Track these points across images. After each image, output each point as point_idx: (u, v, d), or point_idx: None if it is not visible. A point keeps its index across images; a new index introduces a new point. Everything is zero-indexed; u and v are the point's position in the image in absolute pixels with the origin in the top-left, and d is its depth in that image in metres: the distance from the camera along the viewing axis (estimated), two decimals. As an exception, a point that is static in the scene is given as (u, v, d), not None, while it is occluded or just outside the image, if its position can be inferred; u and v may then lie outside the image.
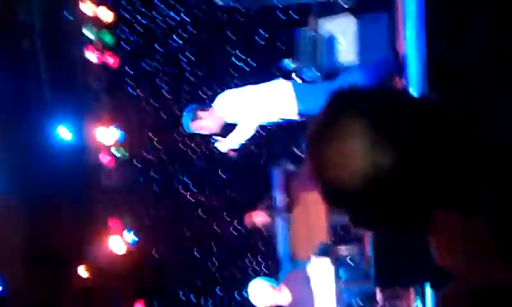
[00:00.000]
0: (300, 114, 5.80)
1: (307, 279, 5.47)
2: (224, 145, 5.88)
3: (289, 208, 6.56)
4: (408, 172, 1.23)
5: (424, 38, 3.44)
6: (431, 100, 1.35)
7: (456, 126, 1.30)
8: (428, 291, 4.26)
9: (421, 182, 1.25)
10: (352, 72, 5.78)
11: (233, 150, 5.96)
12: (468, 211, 1.32)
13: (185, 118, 5.85)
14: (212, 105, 5.88)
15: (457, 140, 1.28)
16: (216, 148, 5.97)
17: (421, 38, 3.60)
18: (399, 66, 5.54)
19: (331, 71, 6.14)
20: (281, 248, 6.73)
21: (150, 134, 8.82)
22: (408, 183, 1.24)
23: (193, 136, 8.52)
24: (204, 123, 5.78)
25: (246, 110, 5.80)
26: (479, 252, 1.37)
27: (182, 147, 8.74)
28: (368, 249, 5.82)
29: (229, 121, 5.88)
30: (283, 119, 5.95)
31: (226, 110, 5.82)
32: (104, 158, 8.39)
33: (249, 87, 5.95)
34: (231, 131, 5.90)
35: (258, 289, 5.49)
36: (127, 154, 8.54)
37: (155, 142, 8.82)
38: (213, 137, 5.92)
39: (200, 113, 5.78)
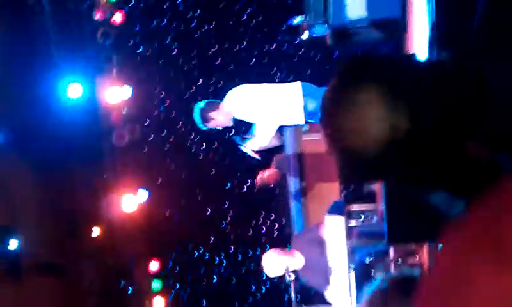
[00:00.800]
0: (308, 117, 5.88)
1: (319, 239, 5.46)
2: (249, 149, 5.98)
3: (301, 166, 6.54)
4: (423, 134, 1.24)
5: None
6: (443, 62, 1.34)
7: (470, 87, 1.30)
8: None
9: (437, 143, 1.25)
10: None
11: (257, 152, 6.06)
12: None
13: (196, 117, 5.92)
14: (221, 101, 5.93)
15: (471, 100, 1.28)
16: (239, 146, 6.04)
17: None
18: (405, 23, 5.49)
19: (341, 28, 6.08)
20: (293, 205, 6.73)
21: (161, 92, 8.78)
22: (423, 146, 1.25)
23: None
24: (216, 121, 5.89)
25: (255, 110, 5.85)
26: None
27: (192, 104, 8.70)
28: (381, 206, 5.80)
29: (237, 117, 5.95)
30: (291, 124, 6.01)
31: (235, 108, 5.88)
32: (114, 117, 8.36)
33: (259, 86, 5.98)
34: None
35: (271, 260, 5.49)
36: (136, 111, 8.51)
37: (166, 101, 8.79)
38: (238, 140, 6.01)
39: (210, 114, 5.86)
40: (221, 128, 6.11)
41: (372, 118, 1.24)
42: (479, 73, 1.35)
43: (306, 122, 6.03)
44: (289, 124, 6.10)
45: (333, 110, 1.31)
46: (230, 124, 6.02)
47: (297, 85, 5.97)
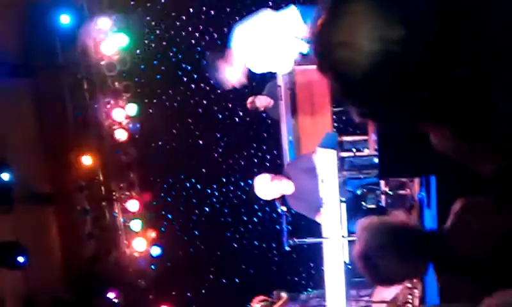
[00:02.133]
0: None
1: (311, 168, 5.47)
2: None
3: (293, 95, 6.50)
4: (414, 46, 1.20)
5: None
6: None
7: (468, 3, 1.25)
8: (433, 182, 4.22)
9: (426, 59, 1.21)
10: None
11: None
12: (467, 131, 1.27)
13: (210, 72, 5.69)
14: (229, 47, 5.62)
15: (469, 16, 1.24)
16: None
17: None
18: None
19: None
20: (285, 136, 6.72)
21: (151, 21, 8.63)
22: (414, 59, 1.21)
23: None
24: (230, 74, 5.61)
25: (262, 41, 5.57)
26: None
27: (183, 33, 8.57)
28: (372, 138, 5.78)
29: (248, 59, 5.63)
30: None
31: (243, 53, 5.58)
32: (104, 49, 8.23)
33: (260, 19, 5.67)
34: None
35: (262, 183, 5.59)
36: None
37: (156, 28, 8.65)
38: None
39: (224, 68, 5.58)
40: (236, 84, 5.75)
41: (362, 29, 1.20)
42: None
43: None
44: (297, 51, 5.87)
45: (322, 23, 1.26)
46: (243, 77, 5.70)
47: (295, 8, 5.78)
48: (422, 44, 1.20)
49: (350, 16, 1.21)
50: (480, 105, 1.26)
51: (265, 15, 5.79)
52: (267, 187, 5.59)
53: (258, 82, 6.97)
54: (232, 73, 5.62)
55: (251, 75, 5.86)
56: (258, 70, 5.81)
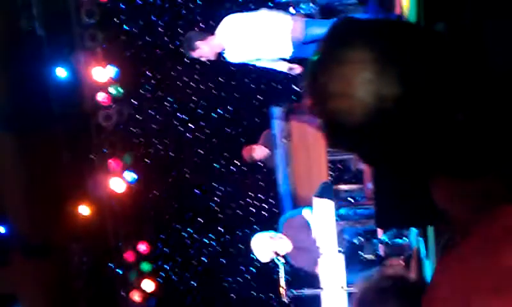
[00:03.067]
0: (294, 51, 5.91)
1: (305, 224, 5.46)
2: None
3: (288, 146, 6.51)
4: (412, 104, 1.18)
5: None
6: (437, 31, 1.28)
7: (464, 58, 1.23)
8: (430, 231, 4.20)
9: (425, 117, 1.19)
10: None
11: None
12: (467, 172, 1.25)
13: (185, 43, 6.13)
14: (212, 32, 6.06)
15: (465, 71, 1.22)
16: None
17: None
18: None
19: (329, 6, 6.04)
20: (281, 184, 6.71)
21: (147, 71, 8.68)
22: (411, 118, 1.19)
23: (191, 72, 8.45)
24: (201, 51, 6.02)
25: (244, 38, 5.93)
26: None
27: (179, 83, 8.62)
28: (369, 187, 5.78)
29: (227, 49, 6.05)
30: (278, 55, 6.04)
31: (225, 37, 5.98)
32: (101, 97, 8.26)
33: (250, 15, 6.04)
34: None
35: (260, 243, 5.54)
36: (122, 91, 8.40)
37: (151, 79, 8.70)
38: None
39: (198, 43, 5.99)
40: (204, 60, 6.21)
41: (358, 80, 1.18)
42: (476, 43, 1.30)
43: (292, 54, 6.01)
44: (277, 55, 6.08)
45: (318, 70, 1.24)
46: (213, 58, 6.13)
47: (287, 19, 5.97)
48: (419, 103, 1.18)
49: (347, 65, 1.20)
50: (481, 141, 1.25)
51: (257, 14, 6.02)
52: (263, 247, 5.53)
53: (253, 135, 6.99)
54: (206, 51, 6.02)
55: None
56: (233, 58, 6.15)
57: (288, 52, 5.99)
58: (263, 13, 6.02)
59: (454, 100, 1.20)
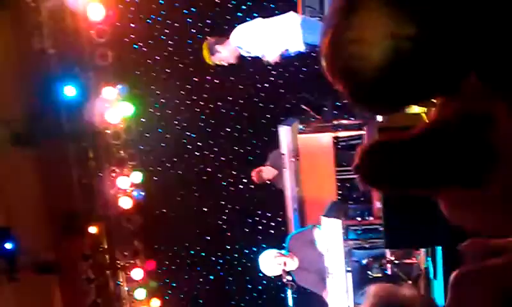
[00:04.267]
0: (306, 43, 6.14)
1: (314, 241, 5.47)
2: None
3: (297, 165, 6.53)
4: (427, 44, 1.18)
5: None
6: None
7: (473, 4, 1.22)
8: (439, 252, 4.21)
9: (439, 59, 1.19)
10: None
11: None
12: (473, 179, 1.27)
13: (204, 51, 6.40)
14: (229, 37, 6.35)
15: (477, 13, 1.21)
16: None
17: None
18: None
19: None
20: (289, 204, 6.72)
21: (156, 89, 8.73)
22: (426, 59, 1.19)
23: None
24: (221, 55, 6.34)
25: (258, 40, 6.21)
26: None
27: (188, 102, 8.67)
28: (377, 206, 5.78)
29: (244, 52, 6.35)
30: (291, 51, 6.28)
31: (241, 41, 6.25)
32: (110, 115, 8.31)
33: (260, 19, 6.34)
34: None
35: (267, 260, 5.56)
36: (131, 109, 8.44)
37: (160, 98, 8.74)
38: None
39: (217, 47, 6.30)
40: (226, 64, 6.43)
41: (372, 24, 1.19)
42: None
43: (305, 44, 6.18)
44: (291, 49, 6.28)
45: (333, 22, 1.25)
46: (234, 61, 6.38)
47: (296, 19, 6.20)
48: (434, 43, 1.19)
49: (362, 12, 1.20)
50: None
51: (264, 21, 6.31)
52: (271, 263, 5.56)
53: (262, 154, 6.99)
54: (226, 54, 6.32)
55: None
56: (249, 51, 6.37)
57: (300, 47, 6.19)
58: (268, 19, 6.31)
59: (467, 49, 1.20)
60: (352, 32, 1.20)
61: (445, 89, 1.27)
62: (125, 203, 8.41)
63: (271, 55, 6.28)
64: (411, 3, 1.18)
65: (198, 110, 8.53)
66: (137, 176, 8.56)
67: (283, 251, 5.69)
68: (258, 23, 6.31)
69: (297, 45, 6.21)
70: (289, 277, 5.53)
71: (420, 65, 1.20)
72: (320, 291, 5.54)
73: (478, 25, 1.20)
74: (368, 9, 1.19)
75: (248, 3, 8.15)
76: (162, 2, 8.47)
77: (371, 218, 5.96)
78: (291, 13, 6.27)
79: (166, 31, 8.53)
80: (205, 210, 8.83)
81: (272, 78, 8.13)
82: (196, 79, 8.55)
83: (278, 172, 6.93)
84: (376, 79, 1.21)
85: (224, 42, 6.33)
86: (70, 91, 8.04)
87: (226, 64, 6.46)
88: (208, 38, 6.63)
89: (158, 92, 8.69)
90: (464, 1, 1.21)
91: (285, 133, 6.55)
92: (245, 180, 8.34)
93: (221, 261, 8.91)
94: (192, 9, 8.47)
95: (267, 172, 7.06)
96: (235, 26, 6.47)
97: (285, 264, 5.54)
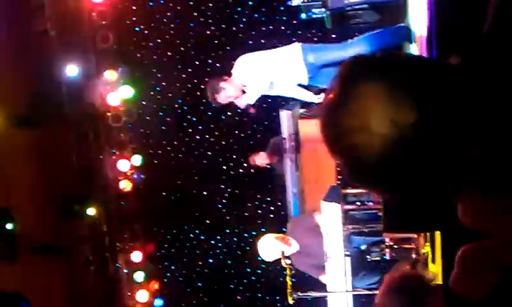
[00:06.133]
0: (310, 76, 6.08)
1: (314, 226, 5.47)
2: (244, 101, 6.24)
3: (297, 149, 6.53)
4: (430, 131, 1.18)
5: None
6: (447, 62, 1.30)
7: (475, 86, 1.25)
8: (437, 237, 4.22)
9: (442, 143, 1.20)
10: (364, 40, 5.76)
11: (251, 106, 6.39)
12: (489, 187, 1.27)
13: (210, 91, 6.18)
14: (231, 73, 6.17)
15: (472, 99, 1.23)
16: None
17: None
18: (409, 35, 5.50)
19: (339, 10, 6.06)
20: (289, 188, 6.73)
21: (157, 72, 8.71)
22: (429, 145, 1.19)
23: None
24: (227, 92, 6.11)
25: (262, 74, 6.08)
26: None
27: (189, 85, 8.66)
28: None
29: (248, 86, 6.18)
30: (295, 86, 6.23)
31: (244, 76, 6.10)
32: (110, 98, 8.31)
33: (263, 52, 6.21)
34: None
35: (266, 243, 5.55)
36: (132, 92, 8.44)
37: (161, 81, 8.73)
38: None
39: (221, 84, 6.10)
40: (232, 100, 6.23)
41: (373, 112, 1.18)
42: (489, 75, 1.30)
43: (309, 79, 6.15)
44: (294, 82, 6.22)
45: (333, 109, 1.25)
46: (240, 95, 6.19)
47: (296, 45, 6.14)
48: (435, 128, 1.19)
49: (361, 99, 1.20)
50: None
51: (269, 51, 6.19)
52: (270, 247, 5.53)
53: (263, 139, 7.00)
54: (231, 91, 6.12)
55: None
56: (254, 94, 6.26)
57: (304, 77, 6.12)
58: (271, 51, 6.20)
59: (469, 129, 1.21)
60: (350, 120, 1.21)
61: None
62: (125, 186, 8.43)
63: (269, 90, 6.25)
64: (410, 88, 1.19)
65: (199, 93, 8.51)
66: (137, 159, 8.58)
67: (281, 235, 5.69)
68: (261, 55, 6.17)
69: (301, 78, 6.15)
70: (288, 261, 5.52)
71: (422, 150, 1.20)
72: (318, 276, 5.55)
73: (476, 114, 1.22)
74: (367, 96, 1.20)
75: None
76: (164, -16, 8.45)
77: (371, 203, 5.95)
78: (295, 44, 6.16)
79: (168, 13, 8.50)
80: (205, 193, 8.84)
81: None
82: (197, 62, 8.53)
83: (277, 158, 6.93)
84: (376, 165, 1.22)
85: (227, 79, 6.16)
86: (71, 73, 8.05)
87: (233, 101, 6.26)
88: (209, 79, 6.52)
89: (159, 75, 8.67)
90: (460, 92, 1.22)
91: (286, 117, 6.54)
92: (245, 164, 8.34)
93: (220, 245, 8.93)
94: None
95: (263, 157, 7.09)
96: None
97: (283, 252, 5.53)
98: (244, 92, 6.24)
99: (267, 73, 6.09)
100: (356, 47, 5.75)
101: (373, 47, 5.67)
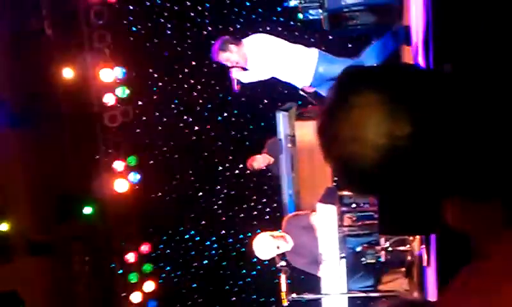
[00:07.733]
0: (314, 82, 6.04)
1: (310, 226, 5.46)
2: (238, 75, 6.12)
3: (293, 151, 6.52)
4: (424, 142, 1.19)
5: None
6: (444, 72, 1.30)
7: (469, 96, 1.25)
8: (433, 239, 4.21)
9: (437, 153, 1.21)
10: (371, 53, 5.79)
11: (240, 84, 6.20)
12: (480, 194, 1.26)
13: (216, 46, 6.08)
14: (243, 41, 6.09)
15: (470, 108, 1.23)
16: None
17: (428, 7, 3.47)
18: (407, 37, 5.49)
19: (336, 12, 6.07)
20: (285, 190, 6.72)
21: (154, 73, 8.70)
22: (424, 154, 1.20)
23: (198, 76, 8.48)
24: (231, 56, 6.02)
25: (270, 60, 6.00)
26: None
27: (186, 86, 8.65)
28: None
29: (250, 64, 6.08)
30: (295, 83, 6.17)
31: (253, 52, 6.02)
32: (107, 98, 8.29)
33: (282, 41, 6.12)
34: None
35: (261, 241, 5.52)
36: (128, 92, 8.42)
37: (158, 81, 8.72)
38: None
39: (230, 46, 6.01)
40: (229, 64, 6.11)
41: (367, 123, 1.20)
42: (483, 84, 1.31)
43: (311, 86, 6.12)
44: (295, 83, 6.18)
45: (329, 117, 1.26)
46: (241, 65, 6.09)
47: (314, 51, 6.08)
48: (430, 139, 1.20)
49: (356, 110, 1.22)
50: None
51: (286, 44, 6.10)
52: (265, 246, 5.51)
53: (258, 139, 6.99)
54: (235, 56, 6.02)
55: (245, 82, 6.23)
56: (253, 73, 6.16)
57: (307, 83, 6.09)
58: (289, 43, 6.11)
59: (464, 137, 1.22)
60: (346, 131, 1.22)
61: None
62: (121, 186, 8.41)
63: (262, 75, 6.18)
64: (406, 101, 1.20)
65: (196, 94, 8.50)
66: (133, 160, 8.56)
67: (277, 232, 5.66)
68: (279, 42, 6.10)
69: (304, 81, 6.10)
70: (283, 263, 5.50)
71: (414, 163, 1.21)
72: (314, 272, 5.53)
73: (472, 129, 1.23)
74: (363, 106, 1.21)
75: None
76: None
77: (366, 205, 5.94)
78: (314, 49, 6.09)
79: (165, 13, 8.49)
80: (201, 194, 8.83)
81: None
82: (194, 63, 8.52)
83: (274, 159, 6.92)
84: (369, 174, 1.23)
85: (239, 44, 6.07)
86: (67, 73, 8.03)
87: (229, 65, 6.14)
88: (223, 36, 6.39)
89: (155, 75, 8.65)
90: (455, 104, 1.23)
91: (282, 118, 6.54)
92: (241, 165, 8.34)
93: (215, 245, 8.92)
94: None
95: (261, 160, 7.05)
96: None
97: (279, 244, 5.51)
98: (244, 69, 6.16)
99: (276, 62, 6.03)
100: (367, 63, 5.72)
101: (380, 58, 5.68)
